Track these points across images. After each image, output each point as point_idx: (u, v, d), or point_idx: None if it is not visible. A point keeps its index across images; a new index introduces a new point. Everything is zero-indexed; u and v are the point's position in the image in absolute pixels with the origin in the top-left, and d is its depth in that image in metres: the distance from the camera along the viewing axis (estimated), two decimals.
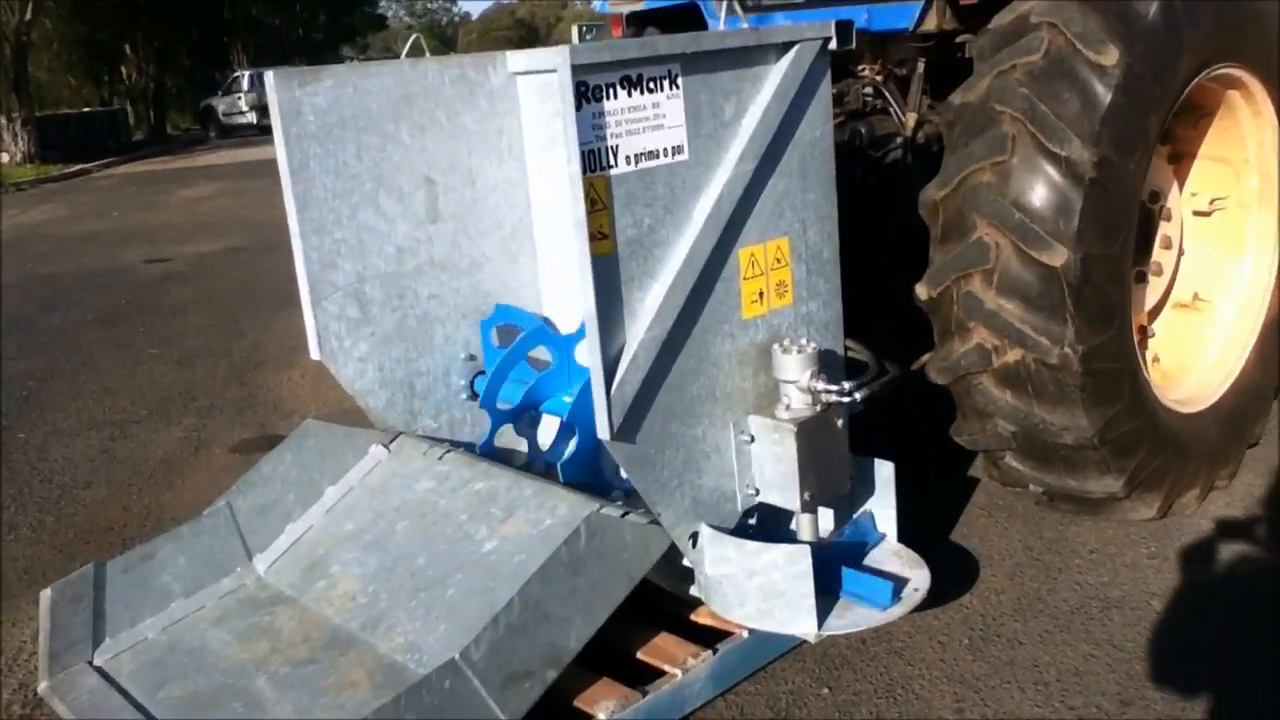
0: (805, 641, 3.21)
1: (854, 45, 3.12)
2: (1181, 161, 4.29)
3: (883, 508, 3.36)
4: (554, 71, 3.83)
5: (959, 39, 4.13)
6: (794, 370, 3.00)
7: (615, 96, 2.64)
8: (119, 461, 5.55)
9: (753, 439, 3.06)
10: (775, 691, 3.18)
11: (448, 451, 3.70)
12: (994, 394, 3.54)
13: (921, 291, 3.62)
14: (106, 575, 3.55)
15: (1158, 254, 4.16)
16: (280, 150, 3.53)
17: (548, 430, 3.95)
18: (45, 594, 3.46)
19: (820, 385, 2.98)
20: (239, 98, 36.21)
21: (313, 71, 3.59)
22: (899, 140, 4.53)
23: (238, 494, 3.81)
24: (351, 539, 3.58)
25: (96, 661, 3.35)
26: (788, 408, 3.04)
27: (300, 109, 3.53)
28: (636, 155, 2.71)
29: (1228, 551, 3.76)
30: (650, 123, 2.72)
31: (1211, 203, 4.28)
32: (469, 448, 3.86)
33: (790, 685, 3.20)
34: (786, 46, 2.95)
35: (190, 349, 7.71)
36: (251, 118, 35.56)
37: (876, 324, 4.00)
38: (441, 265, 3.92)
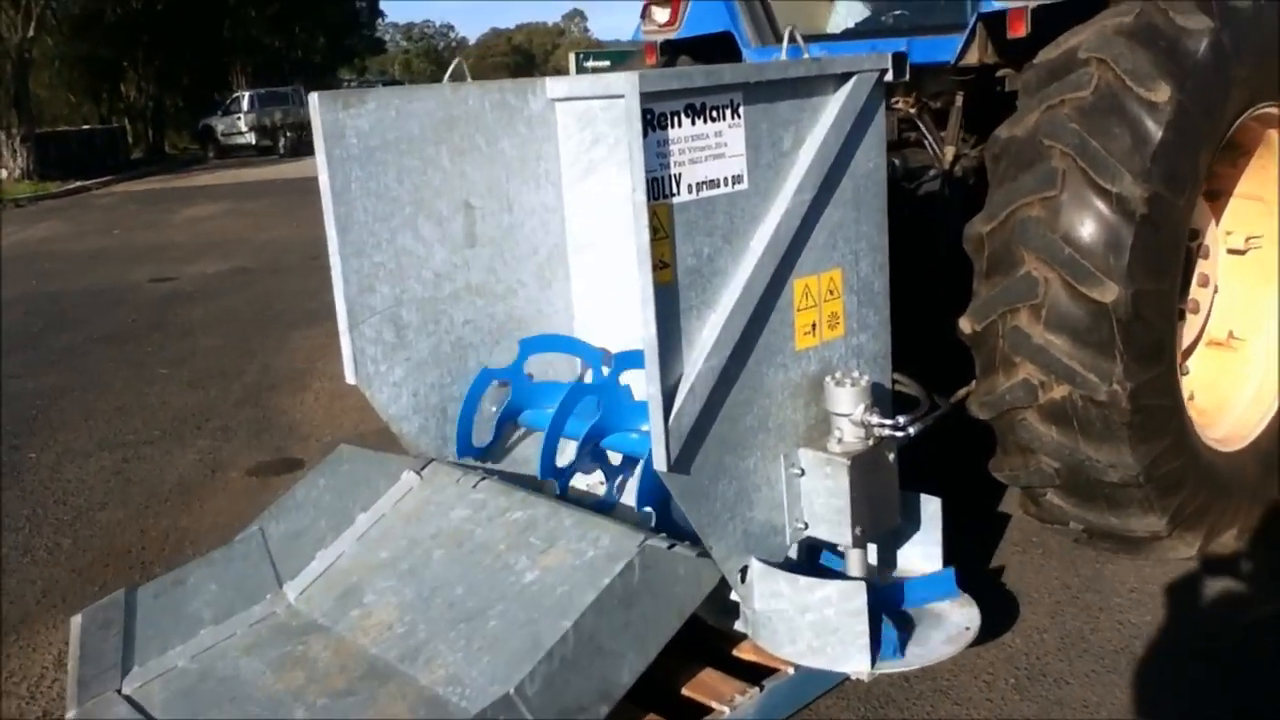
0: (848, 679, 3.17)
1: (907, 77, 3.11)
2: (1218, 199, 4.27)
3: (929, 544, 3.32)
4: (594, 99, 3.88)
5: (999, 73, 4.12)
6: (847, 403, 2.97)
7: (679, 124, 2.61)
8: (134, 483, 5.48)
9: (803, 472, 3.02)
10: None
11: (482, 479, 3.65)
12: (1039, 430, 3.51)
13: (965, 325, 3.59)
14: (137, 601, 3.49)
15: (1194, 291, 4.14)
16: (322, 172, 3.50)
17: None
18: (75, 620, 3.40)
19: (874, 419, 2.95)
20: (238, 118, 36.25)
21: (357, 94, 3.57)
22: (933, 173, 4.52)
23: (270, 519, 3.75)
24: (386, 567, 3.53)
25: (125, 690, 3.28)
26: (840, 441, 3.00)
27: (344, 131, 3.50)
28: (698, 184, 2.68)
29: (1267, 591, 3.72)
30: (712, 151, 2.70)
31: (1247, 241, 4.27)
32: (499, 474, 3.80)
33: None
34: (845, 77, 2.94)
35: (201, 369, 7.65)
36: (250, 139, 35.63)
37: (911, 356, 3.97)
38: (477, 290, 3.89)
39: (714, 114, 2.68)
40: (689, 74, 2.64)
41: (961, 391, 3.83)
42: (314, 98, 3.49)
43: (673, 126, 2.60)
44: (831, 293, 3.06)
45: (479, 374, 3.80)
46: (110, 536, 4.85)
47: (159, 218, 18.17)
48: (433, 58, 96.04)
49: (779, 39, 4.63)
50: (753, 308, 2.82)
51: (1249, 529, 4.03)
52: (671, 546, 2.96)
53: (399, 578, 3.47)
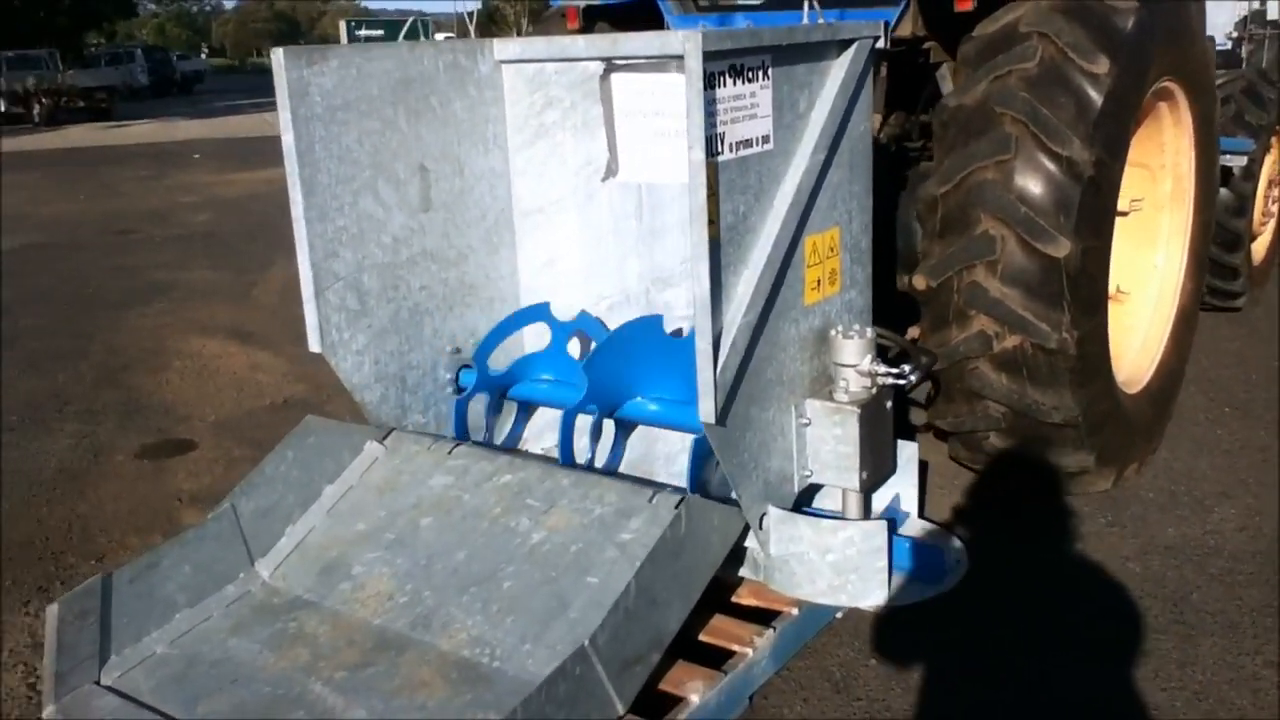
0: (838, 615, 3.35)
1: (890, 46, 3.28)
2: None
3: (906, 486, 3.53)
4: (547, 61, 3.88)
5: (924, 45, 4.36)
6: (854, 355, 3.13)
7: (725, 84, 2.68)
8: (8, 472, 5.08)
9: (810, 422, 3.16)
10: (827, 666, 3.30)
11: (457, 445, 3.62)
12: (990, 377, 3.78)
13: (919, 282, 3.81)
14: (113, 586, 3.28)
15: None
16: (287, 132, 3.38)
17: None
18: (51, 609, 3.18)
19: (881, 369, 3.12)
20: None
21: (319, 50, 3.46)
22: None
23: (241, 495, 3.59)
24: (367, 539, 3.46)
25: (104, 681, 3.09)
26: (846, 391, 3.15)
27: (308, 90, 3.39)
28: (737, 143, 2.76)
29: (1170, 517, 4.14)
30: (747, 111, 2.78)
31: (1131, 203, 4.67)
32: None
33: (839, 659, 3.32)
34: (847, 43, 3.07)
35: (36, 352, 7.11)
36: None
37: None
38: (432, 256, 3.84)
39: (750, 75, 2.76)
40: (735, 34, 2.71)
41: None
42: (278, 53, 3.36)
43: (720, 86, 2.66)
44: (832, 250, 3.20)
45: (520, 311, 3.87)
46: (7, 530, 4.49)
47: None
48: (187, 22, 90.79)
49: (699, 9, 4.75)
50: (778, 264, 2.92)
51: (1146, 464, 4.47)
52: (682, 499, 3.04)
53: (386, 548, 3.40)
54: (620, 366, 3.46)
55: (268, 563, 3.49)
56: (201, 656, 3.20)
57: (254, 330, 7.17)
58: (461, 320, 3.98)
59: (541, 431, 4.12)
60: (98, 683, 3.08)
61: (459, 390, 3.97)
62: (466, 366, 3.95)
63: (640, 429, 3.78)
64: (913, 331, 4.08)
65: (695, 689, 2.94)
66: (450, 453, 3.61)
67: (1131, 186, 4.66)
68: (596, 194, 3.90)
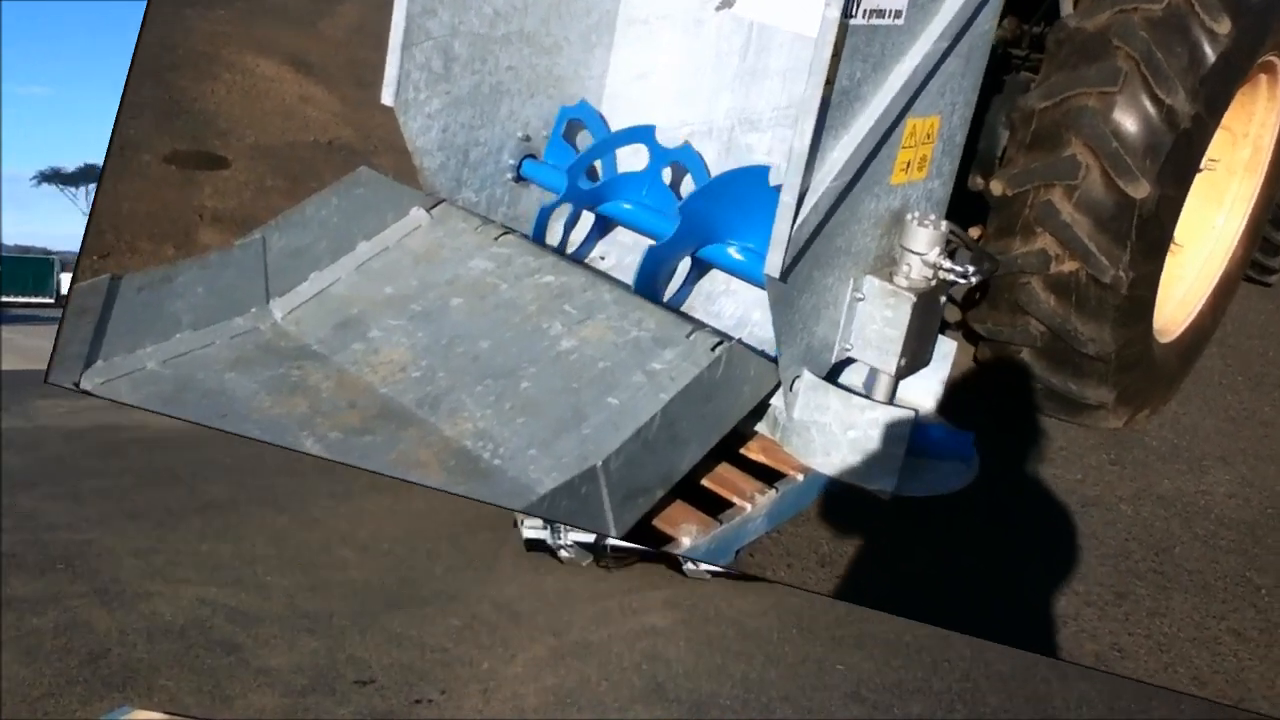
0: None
1: None
2: None
3: (935, 382, 3.55)
4: None
5: None
6: (924, 243, 3.11)
7: None
8: None
9: (864, 298, 3.16)
10: (816, 538, 3.39)
11: (505, 233, 3.58)
12: (1039, 296, 3.80)
13: (996, 187, 3.80)
14: (120, 290, 3.15)
15: None
16: None
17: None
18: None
19: (946, 263, 3.10)
20: None
21: None
22: None
23: (274, 229, 3.49)
24: (392, 304, 3.43)
25: (84, 384, 3.02)
26: (907, 277, 3.14)
27: None
28: (871, 10, 2.69)
29: (1169, 469, 4.23)
30: None
31: (1207, 161, 4.59)
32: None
33: (828, 534, 3.41)
34: None
35: None
36: None
37: None
38: (528, 38, 3.77)
39: None
40: None
41: None
42: None
43: None
44: (928, 136, 3.15)
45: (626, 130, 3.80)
46: None
47: None
48: None
49: None
50: (877, 138, 2.89)
51: (1158, 413, 4.53)
52: (720, 343, 3.02)
53: (410, 319, 3.35)
54: (716, 208, 3.41)
55: (284, 303, 3.43)
56: (195, 383, 3.12)
57: (314, 62, 6.98)
58: (539, 110, 3.92)
59: (607, 250, 4.07)
60: (77, 385, 3.02)
61: (519, 179, 3.93)
62: (530, 156, 3.90)
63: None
64: (972, 232, 4.05)
65: (688, 532, 2.96)
66: (497, 239, 3.57)
67: (1212, 146, 4.58)
68: (706, 21, 3.81)
